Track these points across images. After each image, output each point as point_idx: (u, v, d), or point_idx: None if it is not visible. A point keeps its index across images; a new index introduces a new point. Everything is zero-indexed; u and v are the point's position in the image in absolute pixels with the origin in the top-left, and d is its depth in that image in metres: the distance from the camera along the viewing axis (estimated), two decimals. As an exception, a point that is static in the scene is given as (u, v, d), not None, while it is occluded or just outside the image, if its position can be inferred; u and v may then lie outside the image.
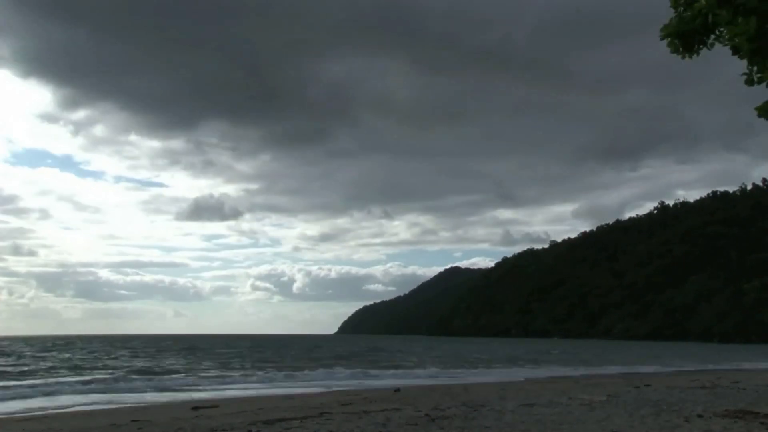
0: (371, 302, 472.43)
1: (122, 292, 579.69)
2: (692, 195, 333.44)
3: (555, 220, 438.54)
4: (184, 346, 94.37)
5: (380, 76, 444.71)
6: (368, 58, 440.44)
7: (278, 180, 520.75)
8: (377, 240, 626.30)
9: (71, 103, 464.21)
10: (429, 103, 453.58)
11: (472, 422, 12.74)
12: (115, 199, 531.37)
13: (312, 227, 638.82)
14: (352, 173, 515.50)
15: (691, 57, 6.28)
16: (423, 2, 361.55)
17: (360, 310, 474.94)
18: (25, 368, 41.65)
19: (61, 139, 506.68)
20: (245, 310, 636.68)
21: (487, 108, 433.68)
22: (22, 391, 26.21)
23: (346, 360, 54.87)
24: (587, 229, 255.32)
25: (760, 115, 6.02)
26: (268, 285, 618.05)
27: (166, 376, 34.69)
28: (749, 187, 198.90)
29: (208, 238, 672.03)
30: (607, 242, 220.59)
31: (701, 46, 6.17)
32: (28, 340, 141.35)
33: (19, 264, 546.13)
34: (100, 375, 35.29)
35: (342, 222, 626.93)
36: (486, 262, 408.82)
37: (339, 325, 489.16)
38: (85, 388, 27.86)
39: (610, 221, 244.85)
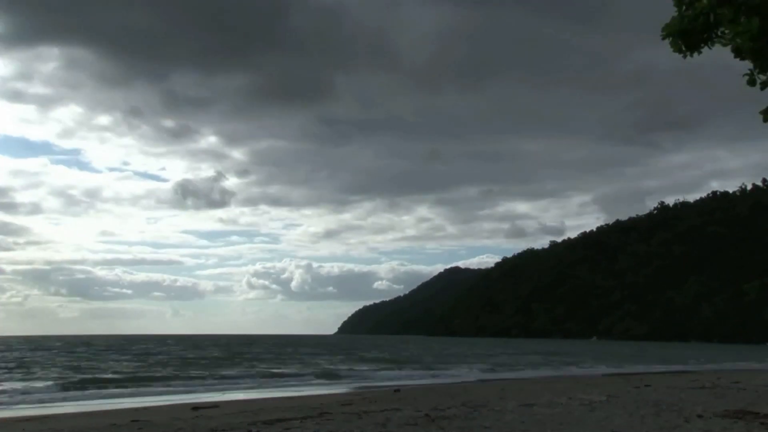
0: (371, 302, 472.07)
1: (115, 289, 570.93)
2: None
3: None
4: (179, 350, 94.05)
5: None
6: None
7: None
8: (379, 237, 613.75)
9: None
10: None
11: (472, 422, 12.72)
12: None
13: (311, 221, 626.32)
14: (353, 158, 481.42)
15: (692, 56, 6.27)
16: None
17: (360, 309, 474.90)
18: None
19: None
20: (243, 309, 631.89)
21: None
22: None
23: (345, 360, 54.89)
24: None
25: (765, 120, 5.95)
26: (266, 282, 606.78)
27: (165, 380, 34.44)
28: (749, 187, 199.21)
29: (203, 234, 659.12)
30: (607, 242, 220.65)
31: (704, 45, 6.15)
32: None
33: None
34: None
35: (344, 216, 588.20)
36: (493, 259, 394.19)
37: (339, 325, 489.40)
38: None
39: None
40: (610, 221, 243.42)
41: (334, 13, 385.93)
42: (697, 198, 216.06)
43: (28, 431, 14.81)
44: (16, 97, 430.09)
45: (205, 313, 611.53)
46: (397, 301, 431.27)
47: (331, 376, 37.13)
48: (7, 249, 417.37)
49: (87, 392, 27.05)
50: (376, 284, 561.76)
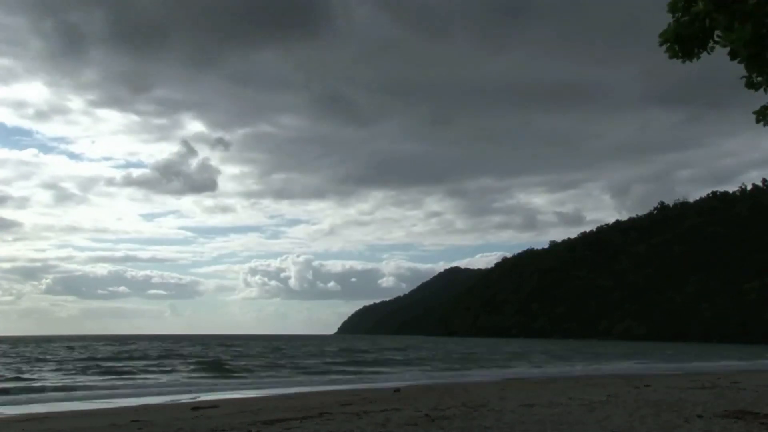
0: (371, 302, 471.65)
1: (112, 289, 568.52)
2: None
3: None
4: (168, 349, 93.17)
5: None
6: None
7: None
8: (389, 233, 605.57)
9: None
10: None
11: (472, 422, 12.76)
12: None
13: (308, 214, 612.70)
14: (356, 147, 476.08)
15: (691, 61, 6.30)
16: None
17: (360, 309, 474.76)
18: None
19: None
20: (241, 308, 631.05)
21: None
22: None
23: (344, 360, 54.89)
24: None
25: (758, 121, 6.02)
26: (266, 281, 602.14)
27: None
28: (749, 188, 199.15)
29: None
30: (607, 242, 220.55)
31: (701, 50, 6.20)
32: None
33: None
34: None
35: (347, 209, 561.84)
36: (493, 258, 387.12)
37: (339, 325, 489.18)
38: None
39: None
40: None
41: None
42: (697, 198, 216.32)
43: (27, 431, 14.85)
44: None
45: (204, 312, 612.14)
46: (398, 301, 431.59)
47: (329, 377, 37.15)
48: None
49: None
50: (385, 280, 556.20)
